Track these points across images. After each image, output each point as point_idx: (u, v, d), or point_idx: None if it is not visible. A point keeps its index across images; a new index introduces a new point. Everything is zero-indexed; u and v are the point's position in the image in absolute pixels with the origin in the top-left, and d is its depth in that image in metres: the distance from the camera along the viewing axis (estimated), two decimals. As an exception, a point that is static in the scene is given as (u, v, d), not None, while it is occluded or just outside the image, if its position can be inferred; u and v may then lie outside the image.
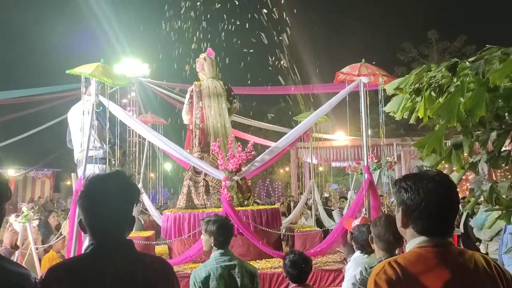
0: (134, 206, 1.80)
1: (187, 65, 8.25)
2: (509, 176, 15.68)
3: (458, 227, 9.10)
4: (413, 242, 1.59)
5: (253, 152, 6.46)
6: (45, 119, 13.37)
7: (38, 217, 5.65)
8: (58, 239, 5.84)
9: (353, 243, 3.60)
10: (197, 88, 7.83)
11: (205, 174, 7.46)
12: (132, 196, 1.77)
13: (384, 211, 6.44)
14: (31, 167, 23.41)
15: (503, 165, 2.34)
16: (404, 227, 1.63)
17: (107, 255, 1.69)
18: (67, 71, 5.44)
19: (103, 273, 1.64)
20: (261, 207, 7.63)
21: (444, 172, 1.72)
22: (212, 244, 3.21)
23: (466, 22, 30.70)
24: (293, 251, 3.53)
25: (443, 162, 2.38)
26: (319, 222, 9.48)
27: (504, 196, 2.34)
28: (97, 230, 1.72)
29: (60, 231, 6.04)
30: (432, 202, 1.54)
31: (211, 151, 7.38)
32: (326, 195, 15.62)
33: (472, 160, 2.44)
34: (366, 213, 5.80)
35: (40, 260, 5.44)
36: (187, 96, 8.08)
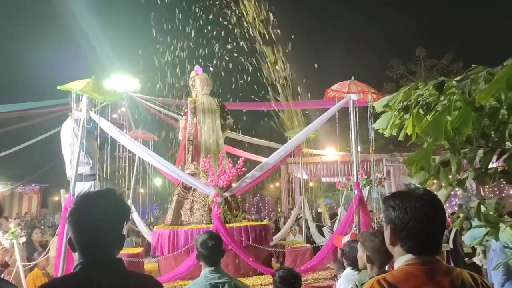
0: (124, 224, 1.79)
1: (189, 79, 8.20)
2: (497, 192, 15.84)
3: (448, 243, 9.13)
4: (401, 259, 1.61)
5: (243, 168, 6.46)
6: (33, 134, 13.25)
7: (25, 233, 5.57)
8: (42, 256, 5.74)
9: (344, 259, 3.61)
10: (191, 104, 7.83)
11: (194, 190, 7.42)
12: (123, 213, 1.76)
13: (374, 228, 6.46)
14: (18, 182, 23.08)
15: (490, 182, 2.38)
16: (393, 245, 1.64)
17: (97, 273, 1.67)
18: (58, 87, 5.43)
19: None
20: (251, 223, 7.60)
21: (433, 189, 1.74)
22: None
23: (453, 39, 31.32)
24: (283, 267, 3.53)
25: (432, 178, 2.41)
26: (308, 238, 9.45)
27: (491, 213, 2.38)
28: (87, 248, 1.70)
29: (48, 248, 5.94)
30: (419, 222, 1.57)
31: (201, 166, 7.36)
32: (319, 210, 15.57)
33: (460, 177, 2.47)
34: (356, 229, 5.81)
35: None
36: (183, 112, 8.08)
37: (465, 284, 1.55)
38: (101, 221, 1.67)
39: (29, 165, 22.22)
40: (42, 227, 14.50)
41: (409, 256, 1.59)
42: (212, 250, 3.15)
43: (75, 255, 1.82)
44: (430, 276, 1.54)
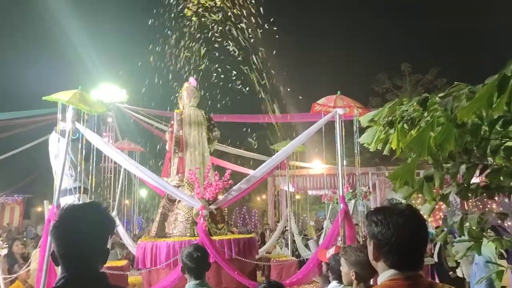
0: (109, 238, 1.77)
1: (178, 96, 8.19)
2: (481, 207, 16.03)
3: (432, 257, 9.20)
4: (384, 275, 1.63)
5: (230, 181, 6.44)
6: (17, 143, 13.09)
7: (6, 245, 5.47)
8: (24, 269, 5.64)
9: (329, 273, 3.61)
10: (178, 116, 7.82)
11: (178, 202, 7.37)
12: (108, 227, 1.75)
13: (360, 241, 6.48)
14: (1, 192, 22.66)
15: (472, 197, 2.42)
16: (376, 260, 1.66)
17: (80, 287, 1.65)
18: (43, 98, 5.37)
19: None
20: (236, 236, 7.56)
21: (417, 203, 1.77)
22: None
23: (438, 55, 32.00)
24: (266, 280, 3.51)
25: (416, 193, 2.44)
26: (294, 251, 9.43)
27: (474, 228, 2.41)
28: (70, 261, 1.67)
29: (29, 261, 5.83)
30: (402, 237, 1.58)
31: (185, 179, 7.32)
32: (312, 223, 15.49)
33: (443, 192, 2.51)
34: (341, 243, 5.83)
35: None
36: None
37: (446, 299, 1.57)
38: (86, 234, 1.65)
39: (12, 175, 21.88)
40: (24, 238, 14.23)
41: (392, 272, 1.60)
42: (198, 262, 3.12)
43: (58, 269, 1.79)
44: (413, 291, 1.55)
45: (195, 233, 6.89)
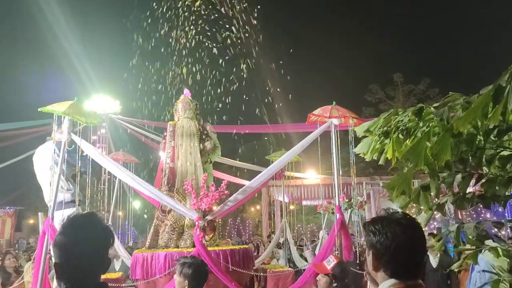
0: (109, 249, 1.78)
1: (173, 108, 8.17)
2: (474, 216, 16.09)
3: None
4: (384, 284, 1.63)
5: (226, 192, 6.43)
6: (9, 155, 12.98)
7: (-1, 259, 5.41)
8: (17, 282, 5.58)
9: (334, 282, 3.57)
10: (171, 128, 7.83)
11: (168, 213, 7.32)
12: (108, 238, 1.76)
13: (356, 251, 6.48)
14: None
15: (468, 206, 2.44)
16: (376, 270, 1.66)
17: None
18: (39, 109, 5.35)
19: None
20: (231, 247, 7.51)
21: (411, 213, 1.78)
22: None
23: (429, 66, 32.38)
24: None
25: (412, 202, 2.46)
26: (290, 262, 9.40)
27: (470, 237, 2.43)
28: (73, 272, 1.67)
29: (22, 275, 5.76)
30: (400, 246, 1.59)
31: (175, 189, 7.29)
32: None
33: (439, 201, 2.53)
34: (338, 253, 5.82)
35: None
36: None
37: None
38: (89, 244, 1.66)
39: (3, 187, 21.68)
40: (16, 251, 14.06)
41: (392, 281, 1.60)
42: (200, 279, 3.13)
43: (53, 282, 1.79)
44: (413, 300, 1.56)
45: (178, 245, 6.86)
